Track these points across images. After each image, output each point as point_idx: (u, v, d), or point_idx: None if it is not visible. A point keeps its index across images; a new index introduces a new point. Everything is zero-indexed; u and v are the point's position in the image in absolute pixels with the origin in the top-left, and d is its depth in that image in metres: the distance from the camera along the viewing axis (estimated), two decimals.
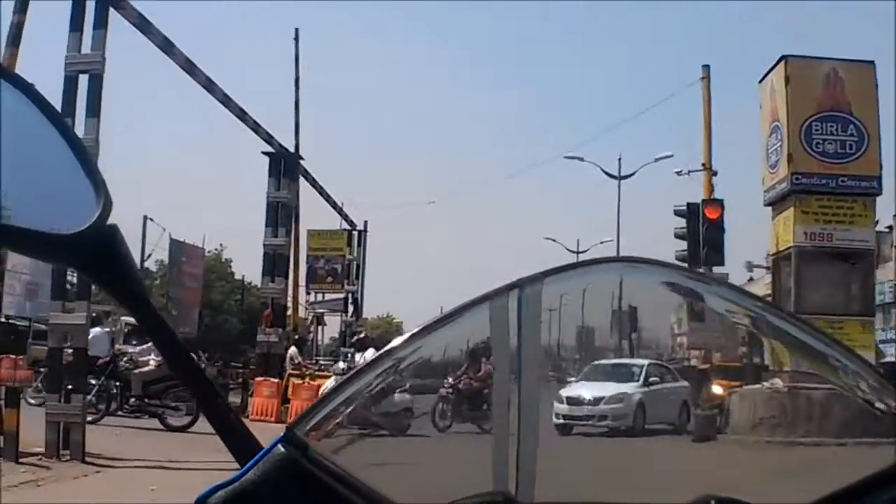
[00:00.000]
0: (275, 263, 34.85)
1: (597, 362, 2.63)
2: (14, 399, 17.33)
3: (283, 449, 1.58)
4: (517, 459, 1.81)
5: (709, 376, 2.63)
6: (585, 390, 3.14)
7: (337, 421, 1.76)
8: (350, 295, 55.15)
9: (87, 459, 17.37)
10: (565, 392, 2.80)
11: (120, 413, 25.02)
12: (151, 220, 65.82)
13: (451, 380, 2.36)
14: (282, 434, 1.61)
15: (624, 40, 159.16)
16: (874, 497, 1.56)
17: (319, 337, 52.20)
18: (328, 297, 54.91)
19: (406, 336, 1.79)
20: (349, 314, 55.02)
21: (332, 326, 59.10)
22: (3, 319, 50.78)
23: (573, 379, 2.50)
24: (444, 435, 2.58)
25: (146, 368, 24.99)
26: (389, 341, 1.81)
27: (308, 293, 53.31)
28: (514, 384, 1.85)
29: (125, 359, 25.92)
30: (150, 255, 68.18)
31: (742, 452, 2.51)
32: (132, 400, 24.79)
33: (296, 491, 1.56)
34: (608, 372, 3.16)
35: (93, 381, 23.66)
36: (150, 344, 25.50)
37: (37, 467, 16.38)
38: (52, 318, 19.02)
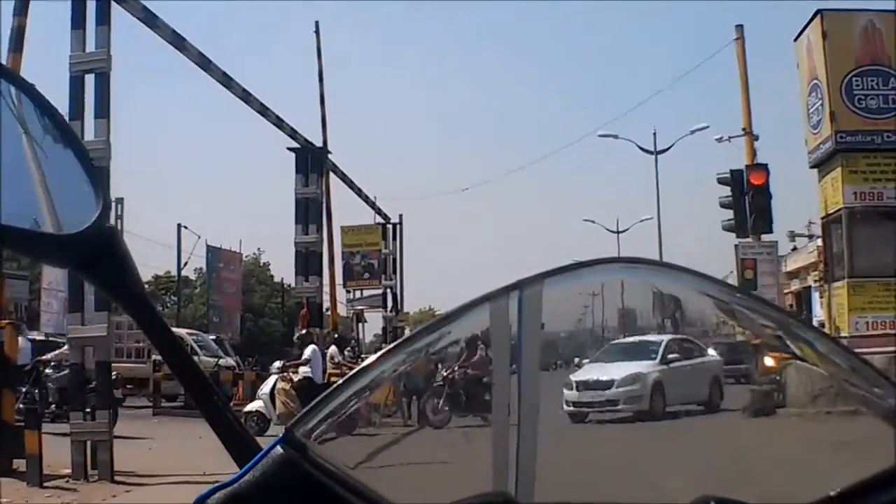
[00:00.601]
0: (308, 261, 34.40)
1: (613, 342, 2.49)
2: (34, 420, 16.63)
3: (281, 450, 1.57)
4: (517, 460, 1.80)
5: (762, 350, 2.27)
6: (596, 373, 2.75)
7: (336, 422, 1.75)
8: (388, 290, 54.86)
9: (117, 478, 16.85)
10: (575, 376, 2.61)
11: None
12: (186, 227, 65.80)
13: (444, 372, 2.27)
14: (280, 435, 1.59)
15: (651, 12, 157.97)
16: (875, 498, 1.53)
17: (361, 334, 51.90)
18: (366, 293, 54.60)
19: (406, 337, 1.84)
20: (389, 309, 54.43)
21: (375, 323, 58.91)
22: (42, 337, 51.02)
23: (586, 361, 2.47)
24: (445, 435, 2.51)
25: (60, 374, 24.73)
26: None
27: (347, 291, 53.01)
28: (514, 385, 1.83)
29: (52, 365, 26.05)
30: (186, 264, 68.25)
31: (802, 425, 2.29)
32: (52, 407, 24.47)
33: (294, 492, 1.56)
34: (624, 351, 2.91)
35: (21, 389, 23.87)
36: (64, 348, 25.34)
37: (63, 490, 15.95)
38: (70, 332, 18.61)
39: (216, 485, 1.53)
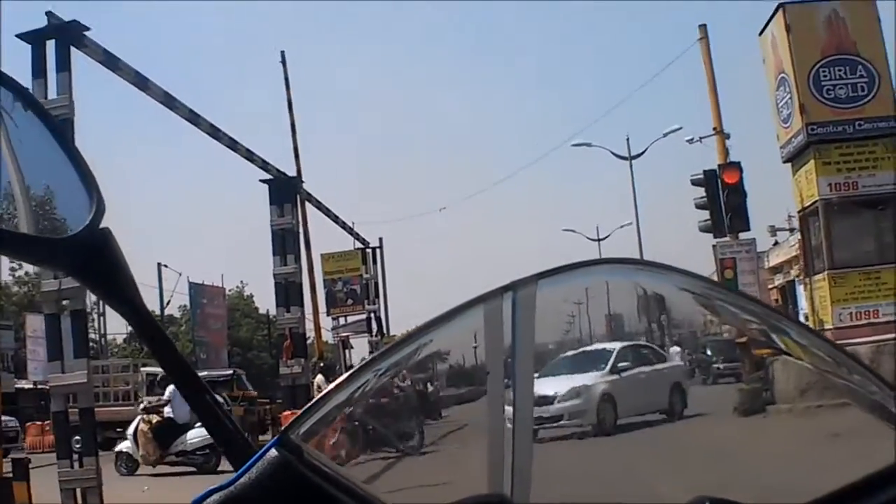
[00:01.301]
0: (288, 292, 34.32)
1: (565, 354, 2.41)
2: (22, 471, 16.48)
3: (277, 452, 1.57)
4: (512, 461, 1.81)
5: (748, 348, 2.24)
6: (540, 388, 2.61)
7: (331, 425, 1.76)
8: (373, 314, 54.65)
9: None
10: None
11: None
12: (166, 266, 65.75)
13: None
14: (276, 437, 1.59)
15: (617, 17, 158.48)
16: (874, 496, 1.52)
17: (348, 361, 51.75)
18: (351, 319, 54.57)
19: (399, 339, 1.80)
20: (374, 334, 54.11)
21: (361, 349, 58.99)
22: (30, 386, 51.08)
23: (535, 375, 2.26)
24: (441, 438, 2.46)
25: None
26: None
27: (334, 319, 53.01)
28: (509, 386, 1.87)
29: None
30: (169, 302, 68.22)
31: (792, 421, 2.45)
32: None
33: (290, 495, 1.56)
34: (575, 363, 2.78)
35: None
36: None
37: None
38: (51, 381, 18.48)
39: (212, 487, 1.54)
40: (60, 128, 1.83)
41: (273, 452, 1.57)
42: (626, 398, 3.20)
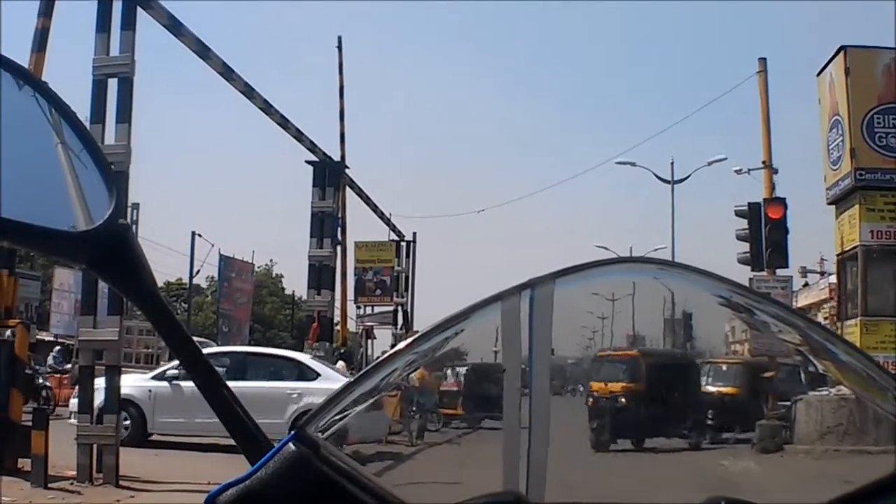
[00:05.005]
0: (321, 275, 34.34)
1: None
2: (41, 420, 16.51)
3: (293, 447, 1.59)
4: (528, 459, 1.80)
5: (774, 385, 2.37)
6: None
7: (349, 420, 1.76)
8: (400, 307, 54.65)
9: (122, 483, 16.80)
10: None
11: None
12: (200, 235, 65.95)
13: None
14: (292, 432, 1.60)
15: (674, 41, 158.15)
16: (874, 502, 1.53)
17: (369, 350, 51.66)
18: (377, 309, 54.36)
19: (417, 335, 1.82)
20: (399, 327, 54.08)
21: (384, 340, 58.96)
22: (51, 338, 51.28)
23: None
24: (456, 435, 2.48)
25: None
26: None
27: (358, 307, 52.89)
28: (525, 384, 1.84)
29: None
30: (198, 272, 68.33)
31: (809, 463, 2.37)
32: None
33: (306, 490, 1.57)
34: None
35: None
36: None
37: (66, 492, 15.85)
38: (81, 335, 18.54)
39: (228, 482, 1.55)
40: (80, 122, 1.83)
41: (290, 447, 1.59)
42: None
